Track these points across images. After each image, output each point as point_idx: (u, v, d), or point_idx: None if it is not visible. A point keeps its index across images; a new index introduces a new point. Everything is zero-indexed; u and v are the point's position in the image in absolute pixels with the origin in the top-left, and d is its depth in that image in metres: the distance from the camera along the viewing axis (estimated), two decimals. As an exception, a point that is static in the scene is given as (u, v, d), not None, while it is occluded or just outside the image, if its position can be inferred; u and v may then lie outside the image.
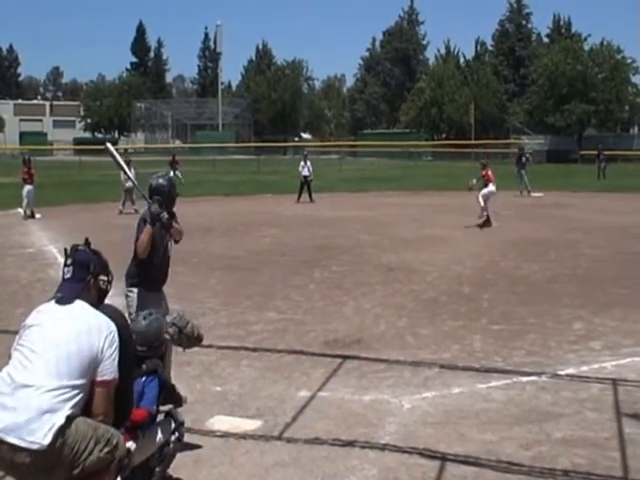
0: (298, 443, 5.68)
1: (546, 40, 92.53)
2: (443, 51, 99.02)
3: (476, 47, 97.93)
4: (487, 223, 19.26)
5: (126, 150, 76.24)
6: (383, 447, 5.57)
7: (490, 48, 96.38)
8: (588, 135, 74.94)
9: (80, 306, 3.89)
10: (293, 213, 23.74)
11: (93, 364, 3.74)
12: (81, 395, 3.70)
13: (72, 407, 3.65)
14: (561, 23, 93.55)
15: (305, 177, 28.12)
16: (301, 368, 7.58)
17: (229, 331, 9.09)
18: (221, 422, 6.08)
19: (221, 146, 72.37)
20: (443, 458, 5.39)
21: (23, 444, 3.52)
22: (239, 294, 11.31)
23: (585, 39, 79.27)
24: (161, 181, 6.22)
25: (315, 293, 11.39)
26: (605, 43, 76.20)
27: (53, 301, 3.94)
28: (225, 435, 5.83)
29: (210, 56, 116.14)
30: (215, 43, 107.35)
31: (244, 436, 5.81)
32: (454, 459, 5.38)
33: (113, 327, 3.86)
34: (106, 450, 3.70)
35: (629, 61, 74.57)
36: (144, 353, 4.60)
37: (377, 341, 8.64)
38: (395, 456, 5.45)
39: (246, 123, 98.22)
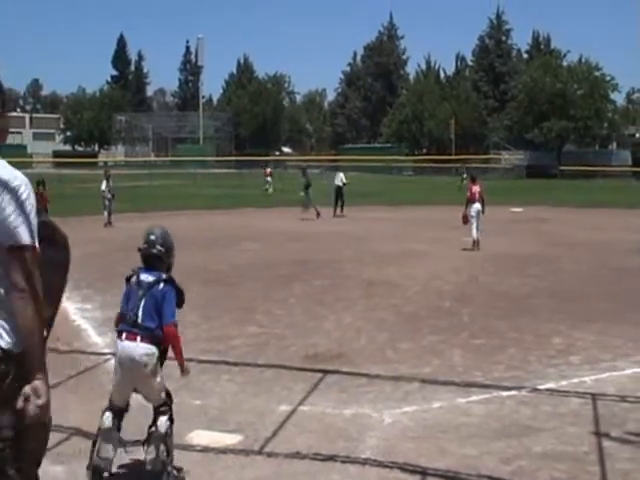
0: (279, 458, 5.65)
1: (526, 56, 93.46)
2: (424, 66, 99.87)
3: (456, 62, 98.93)
4: (474, 245, 18.15)
5: (106, 163, 75.99)
6: (364, 462, 5.56)
7: (470, 63, 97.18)
8: (567, 151, 75.62)
9: None
10: (274, 227, 23.70)
11: None
12: None
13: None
14: (540, 39, 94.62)
15: (338, 187, 28.58)
16: (282, 382, 7.56)
17: (210, 345, 9.05)
18: (201, 436, 6.03)
19: (202, 159, 72.29)
20: (423, 472, 5.39)
21: None
22: (220, 308, 11.27)
23: (564, 55, 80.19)
24: None
25: (296, 307, 11.37)
26: (584, 60, 77.11)
27: None
28: (205, 450, 5.78)
29: (191, 69, 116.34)
30: (196, 56, 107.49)
31: (224, 451, 5.77)
32: (434, 473, 5.38)
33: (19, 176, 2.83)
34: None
35: (608, 78, 75.41)
36: (160, 253, 5.20)
37: (358, 355, 8.64)
38: (376, 471, 5.43)
39: (227, 137, 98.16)
